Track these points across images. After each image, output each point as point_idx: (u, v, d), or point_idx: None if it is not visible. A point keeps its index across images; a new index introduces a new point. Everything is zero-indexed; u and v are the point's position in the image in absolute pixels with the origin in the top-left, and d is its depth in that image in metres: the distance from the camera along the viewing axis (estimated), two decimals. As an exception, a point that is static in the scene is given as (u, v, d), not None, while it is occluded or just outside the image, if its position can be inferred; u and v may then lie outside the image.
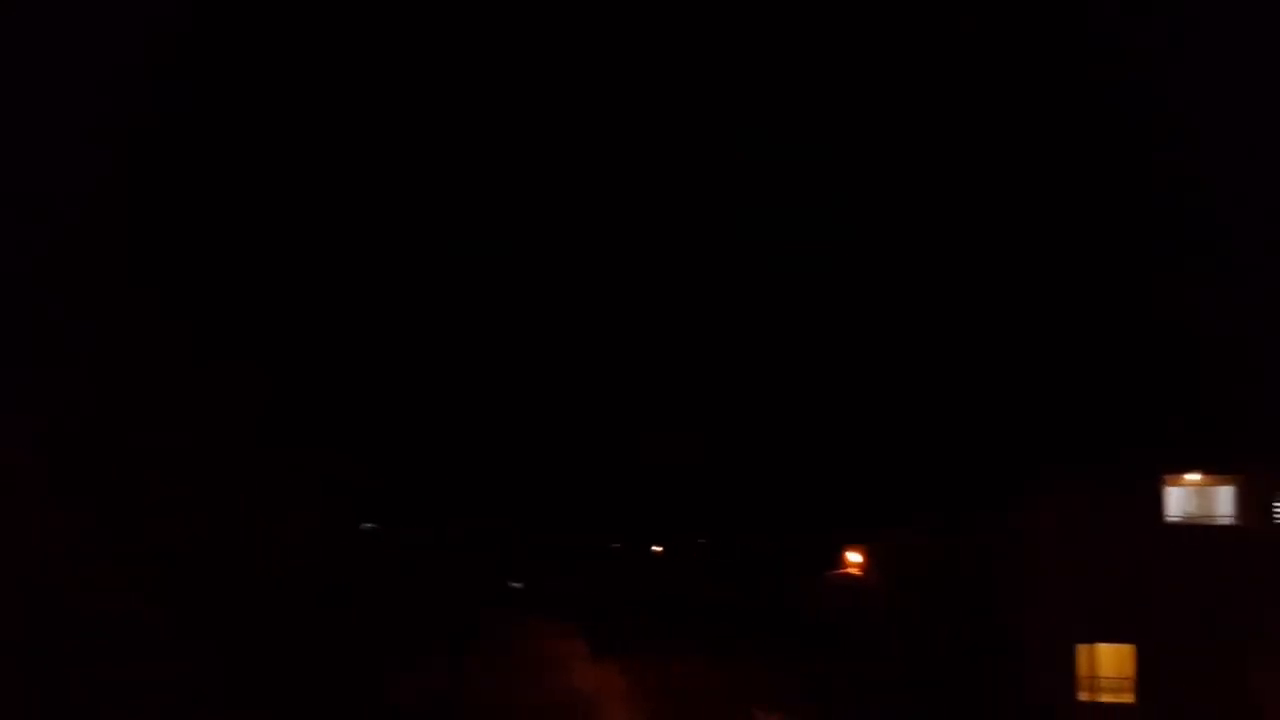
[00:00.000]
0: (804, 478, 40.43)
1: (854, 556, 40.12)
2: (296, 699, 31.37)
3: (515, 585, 43.33)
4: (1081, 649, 35.00)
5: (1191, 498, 35.86)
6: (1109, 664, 34.97)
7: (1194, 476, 35.56)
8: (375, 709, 32.69)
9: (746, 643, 37.57)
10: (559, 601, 39.62)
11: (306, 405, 39.03)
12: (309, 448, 37.81)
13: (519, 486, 42.49)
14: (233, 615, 31.71)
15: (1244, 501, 35.03)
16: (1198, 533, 35.20)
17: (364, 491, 40.36)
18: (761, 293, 44.37)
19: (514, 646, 35.96)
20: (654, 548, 44.87)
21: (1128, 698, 34.59)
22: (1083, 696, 34.86)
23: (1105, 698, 34.84)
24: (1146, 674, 34.26)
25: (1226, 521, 35.29)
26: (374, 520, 42.19)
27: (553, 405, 42.64)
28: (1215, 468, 35.19)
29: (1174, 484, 35.62)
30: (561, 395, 42.87)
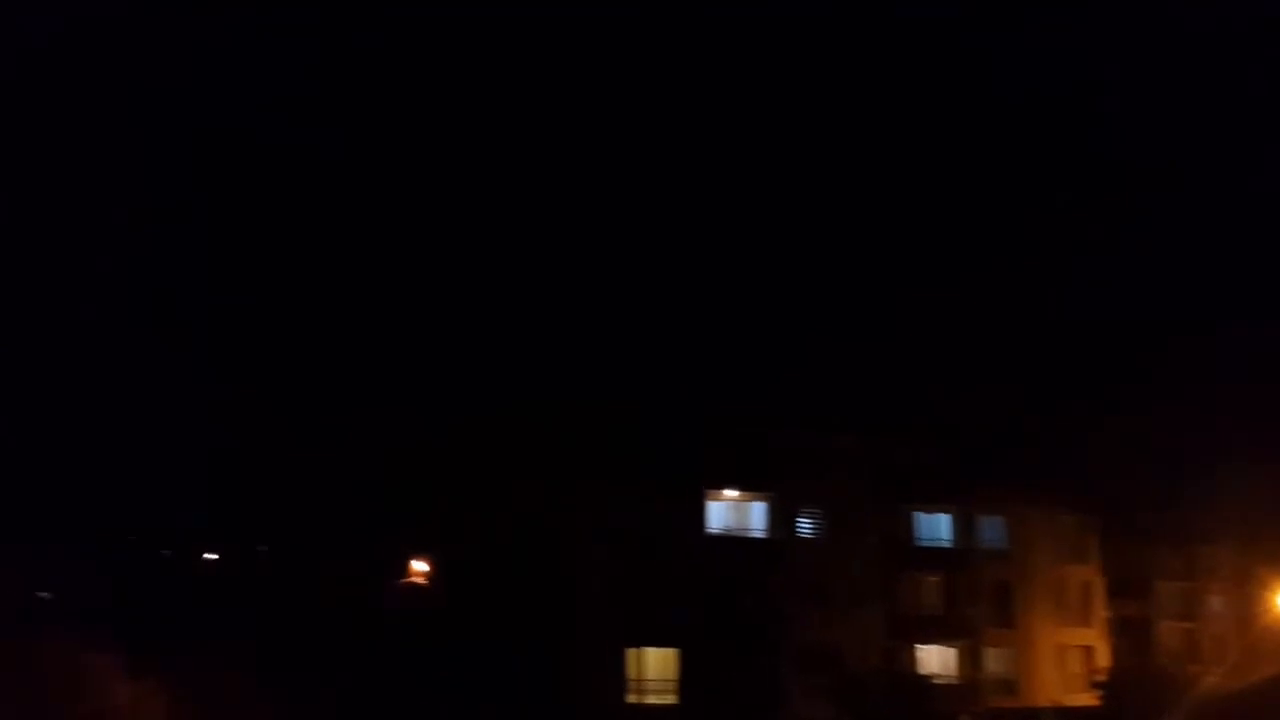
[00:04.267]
0: (365, 487, 39.84)
1: (420, 565, 40.32)
2: None
3: (43, 595, 39.56)
4: (630, 653, 37.24)
5: (730, 512, 39.26)
6: (655, 667, 37.38)
7: (731, 493, 39.04)
8: None
9: (305, 655, 35.88)
10: (94, 613, 36.03)
11: None
12: None
13: (42, 483, 38.79)
14: None
15: (774, 516, 38.94)
16: (734, 544, 38.56)
17: None
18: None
19: (37, 661, 32.40)
20: (207, 555, 42.21)
21: (671, 699, 37.00)
22: (631, 699, 37.00)
23: (651, 699, 37.11)
24: (688, 676, 36.84)
25: (759, 534, 39.08)
26: None
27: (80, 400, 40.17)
28: (749, 485, 38.79)
29: (714, 499, 38.89)
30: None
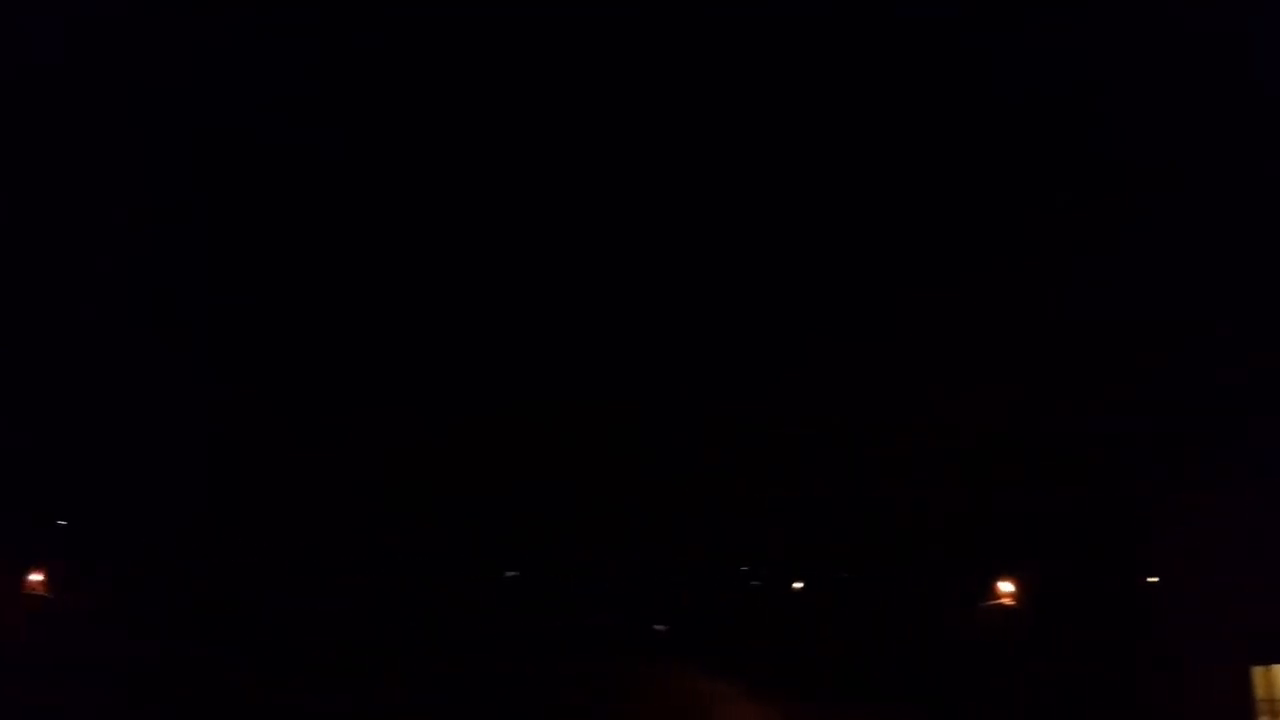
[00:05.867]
0: (951, 507, 40.24)
1: (1006, 586, 38.60)
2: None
3: (658, 628, 43.36)
4: (1257, 671, 33.93)
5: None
6: (1287, 685, 33.48)
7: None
8: None
9: (898, 680, 37.54)
10: (703, 642, 41.02)
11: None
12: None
13: (659, 526, 43.66)
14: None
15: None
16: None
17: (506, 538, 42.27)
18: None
19: (657, 691, 36.58)
20: (794, 584, 44.59)
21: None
22: (1263, 721, 33.33)
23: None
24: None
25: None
26: (516, 568, 43.44)
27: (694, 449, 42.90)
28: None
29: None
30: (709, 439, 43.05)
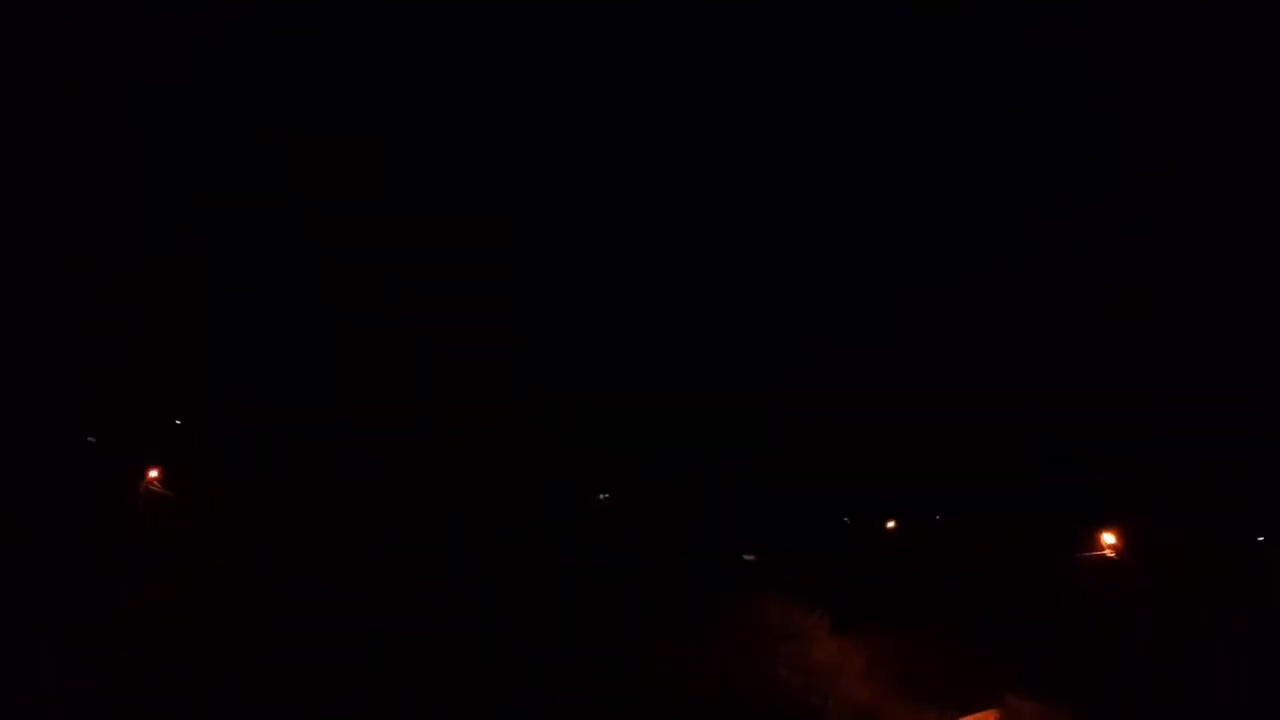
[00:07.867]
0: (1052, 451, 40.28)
1: (1108, 538, 37.52)
2: (538, 664, 34.72)
3: (748, 558, 43.83)
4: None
5: None
6: None
7: None
8: (610, 677, 35.10)
9: (989, 624, 37.18)
10: (792, 574, 40.83)
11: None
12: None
13: (753, 458, 45.14)
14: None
15: None
16: None
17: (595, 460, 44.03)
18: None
19: (747, 619, 37.21)
20: (888, 523, 44.71)
21: None
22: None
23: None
24: None
25: None
26: (607, 489, 45.32)
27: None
28: None
29: None
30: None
